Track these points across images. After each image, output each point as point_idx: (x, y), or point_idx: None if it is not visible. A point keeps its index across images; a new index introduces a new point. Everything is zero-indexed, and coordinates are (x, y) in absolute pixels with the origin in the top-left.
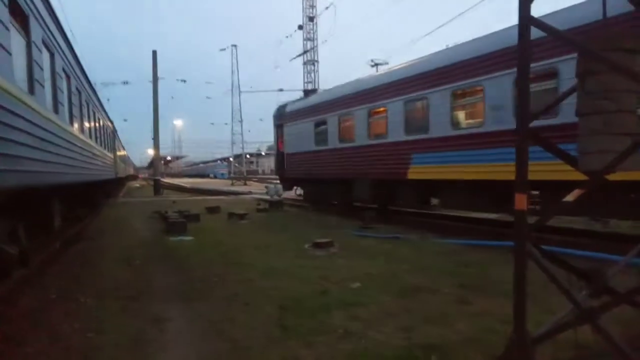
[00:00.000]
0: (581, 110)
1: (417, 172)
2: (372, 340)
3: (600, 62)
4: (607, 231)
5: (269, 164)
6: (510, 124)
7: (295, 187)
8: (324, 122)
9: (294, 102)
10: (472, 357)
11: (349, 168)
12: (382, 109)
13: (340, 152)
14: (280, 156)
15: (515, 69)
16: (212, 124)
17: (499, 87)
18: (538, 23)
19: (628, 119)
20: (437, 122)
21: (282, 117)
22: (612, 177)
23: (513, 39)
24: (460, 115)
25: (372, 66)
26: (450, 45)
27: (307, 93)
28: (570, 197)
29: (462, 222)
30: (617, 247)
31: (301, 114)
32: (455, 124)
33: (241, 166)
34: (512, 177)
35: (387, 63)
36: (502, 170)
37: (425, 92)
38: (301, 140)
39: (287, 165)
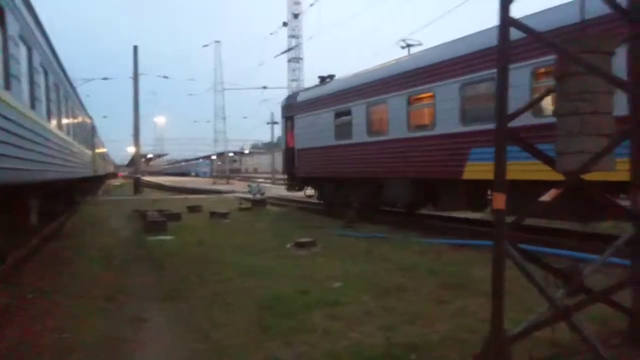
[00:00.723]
0: (559, 112)
1: (476, 170)
2: (352, 339)
3: (577, 64)
4: (586, 231)
5: (252, 162)
6: (624, 109)
7: (305, 188)
8: (347, 112)
9: (307, 90)
10: (450, 356)
11: (380, 165)
12: (427, 94)
13: (368, 146)
14: (289, 152)
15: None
16: (195, 121)
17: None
18: (518, 24)
19: (604, 120)
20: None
21: (293, 108)
22: (588, 177)
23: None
24: (546, 99)
25: (403, 47)
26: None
27: (323, 79)
28: (546, 197)
29: (445, 222)
30: (596, 246)
31: (317, 103)
32: (537, 110)
33: (224, 164)
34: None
35: (420, 44)
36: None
37: (493, 71)
38: (317, 134)
39: (298, 163)
